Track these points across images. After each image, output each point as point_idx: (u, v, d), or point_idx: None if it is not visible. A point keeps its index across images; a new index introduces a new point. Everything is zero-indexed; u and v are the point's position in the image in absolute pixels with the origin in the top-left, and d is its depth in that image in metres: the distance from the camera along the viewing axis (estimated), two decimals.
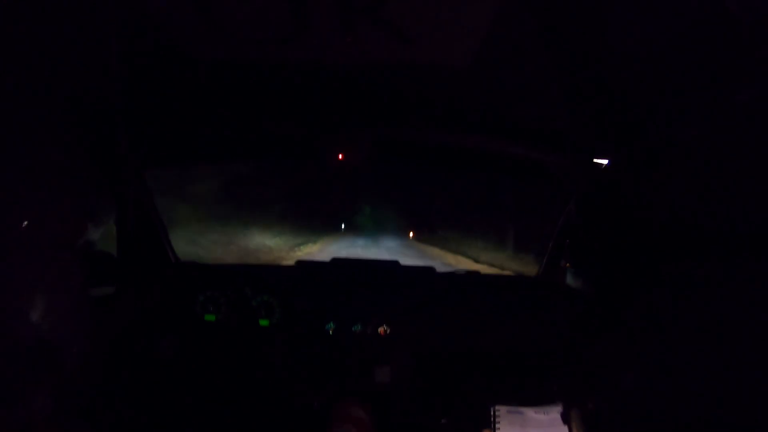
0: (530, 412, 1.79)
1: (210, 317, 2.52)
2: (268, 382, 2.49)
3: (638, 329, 0.85)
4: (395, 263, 2.77)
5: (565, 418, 1.16)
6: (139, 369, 2.39)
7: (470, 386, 2.42)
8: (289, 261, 2.85)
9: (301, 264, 2.75)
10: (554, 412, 1.74)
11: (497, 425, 1.78)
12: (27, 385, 0.95)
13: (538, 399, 1.78)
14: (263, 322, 2.52)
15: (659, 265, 0.82)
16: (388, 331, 2.50)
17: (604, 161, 1.22)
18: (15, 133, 0.93)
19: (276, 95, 2.05)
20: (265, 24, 1.46)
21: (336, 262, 2.76)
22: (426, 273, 2.73)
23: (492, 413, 1.80)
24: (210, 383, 2.49)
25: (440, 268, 2.82)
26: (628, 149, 1.03)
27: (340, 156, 2.39)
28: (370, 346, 2.50)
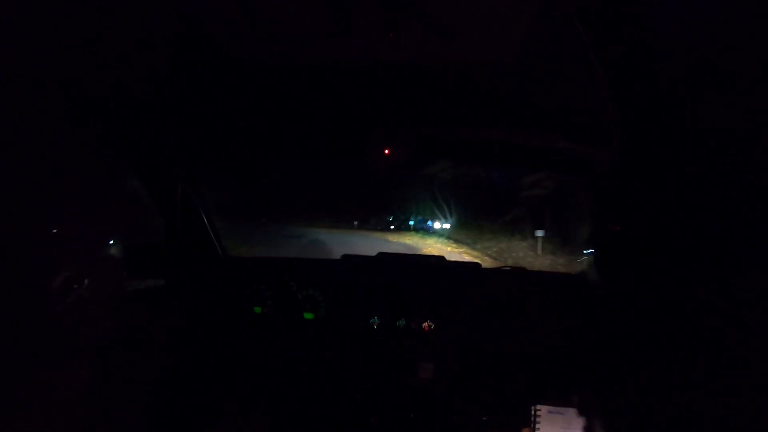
0: (572, 413, 1.76)
1: (257, 309, 2.57)
2: (312, 375, 2.53)
3: (684, 334, 0.83)
4: (441, 259, 2.77)
5: (604, 420, 1.14)
6: (186, 358, 2.46)
7: (512, 384, 2.40)
8: (335, 255, 2.87)
9: (347, 258, 2.77)
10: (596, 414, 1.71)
11: (537, 425, 1.76)
12: (65, 358, 0.99)
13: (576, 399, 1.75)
14: (308, 316, 2.56)
15: (707, 269, 0.80)
16: (432, 327, 2.50)
17: (650, 158, 1.19)
18: (56, 136, 0.97)
19: (320, 93, 2.08)
20: (307, 23, 1.48)
21: (381, 256, 2.77)
22: (471, 269, 2.72)
23: (533, 413, 1.78)
24: (255, 374, 2.54)
25: (486, 263, 2.80)
26: (676, 146, 1.01)
27: (385, 152, 2.40)
28: (414, 342, 2.51)
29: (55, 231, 0.93)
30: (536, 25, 1.36)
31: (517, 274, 2.81)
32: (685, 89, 1.03)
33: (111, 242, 1.07)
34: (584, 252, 2.67)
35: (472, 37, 1.51)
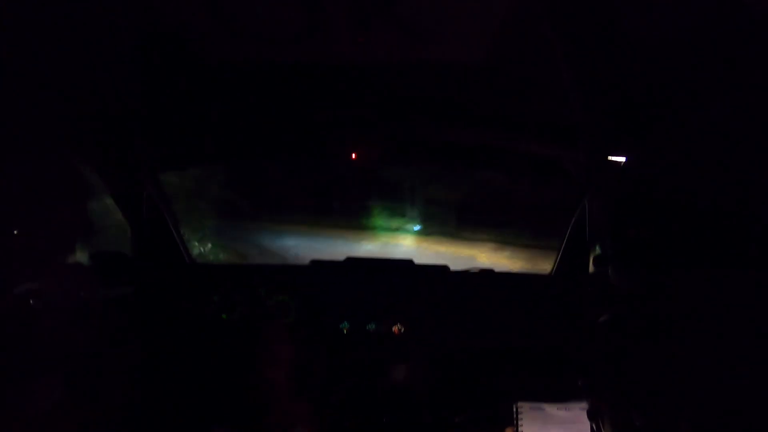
0: (551, 409, 1.78)
1: (225, 316, 2.53)
2: (283, 381, 2.50)
3: (659, 328, 0.85)
4: (409, 262, 2.77)
5: (589, 415, 1.15)
6: (155, 366, 2.41)
7: (488, 384, 2.41)
8: (303, 260, 2.84)
9: (316, 263, 2.75)
10: (575, 409, 1.73)
11: (520, 421, 1.78)
12: (36, 375, 0.96)
13: (557, 396, 1.78)
14: None
15: (682, 263, 0.81)
16: (402, 330, 2.50)
17: (620, 158, 1.21)
18: (22, 139, 0.94)
19: (290, 95, 2.06)
20: (278, 24, 1.47)
21: (350, 261, 2.76)
22: (440, 272, 2.73)
23: (515, 410, 1.80)
24: (225, 382, 2.50)
25: (454, 266, 2.81)
26: (644, 145, 1.03)
27: (354, 155, 2.39)
28: (385, 345, 2.51)
29: (15, 233, 0.89)
30: (506, 26, 1.37)
31: (485, 275, 2.83)
32: (653, 92, 1.05)
33: (75, 248, 1.04)
34: (556, 253, 2.72)
35: (442, 39, 1.51)
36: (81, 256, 1.09)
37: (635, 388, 0.90)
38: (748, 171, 0.78)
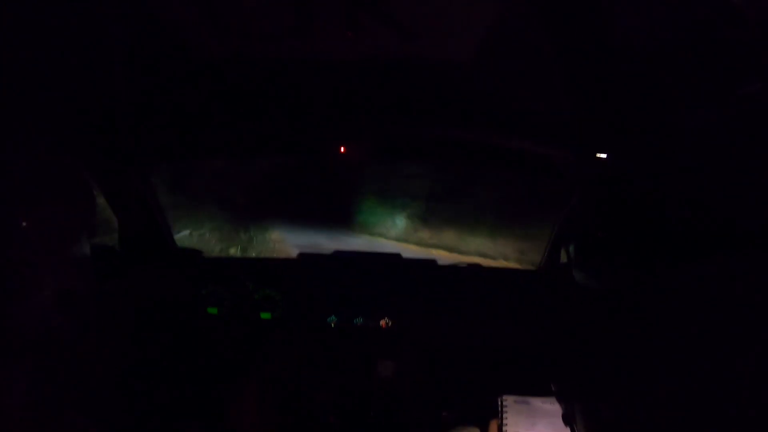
0: (537, 402, 1.80)
1: (213, 310, 2.53)
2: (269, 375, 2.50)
3: (642, 326, 0.86)
4: (397, 256, 2.78)
5: (567, 415, 1.16)
6: (143, 360, 2.40)
7: (475, 378, 2.42)
8: (291, 254, 2.84)
9: (303, 257, 2.75)
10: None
11: (505, 415, 1.79)
12: (27, 375, 0.96)
13: (543, 389, 1.79)
14: (265, 315, 2.53)
15: (666, 261, 0.82)
16: (390, 324, 2.51)
17: (608, 156, 1.22)
18: (19, 134, 0.94)
19: (279, 91, 2.05)
20: (268, 19, 1.46)
21: (338, 254, 2.76)
22: (428, 266, 2.74)
23: (499, 403, 1.81)
24: (212, 376, 2.50)
25: (442, 260, 2.82)
26: (631, 143, 1.04)
27: (342, 150, 2.39)
28: (373, 339, 2.51)
29: (24, 224, 0.89)
30: (496, 24, 1.38)
31: (473, 269, 2.84)
32: (640, 91, 1.06)
33: (82, 241, 1.03)
34: (544, 249, 2.74)
35: (431, 36, 1.52)
36: (87, 250, 1.08)
37: (607, 387, 0.91)
38: (732, 170, 0.79)
